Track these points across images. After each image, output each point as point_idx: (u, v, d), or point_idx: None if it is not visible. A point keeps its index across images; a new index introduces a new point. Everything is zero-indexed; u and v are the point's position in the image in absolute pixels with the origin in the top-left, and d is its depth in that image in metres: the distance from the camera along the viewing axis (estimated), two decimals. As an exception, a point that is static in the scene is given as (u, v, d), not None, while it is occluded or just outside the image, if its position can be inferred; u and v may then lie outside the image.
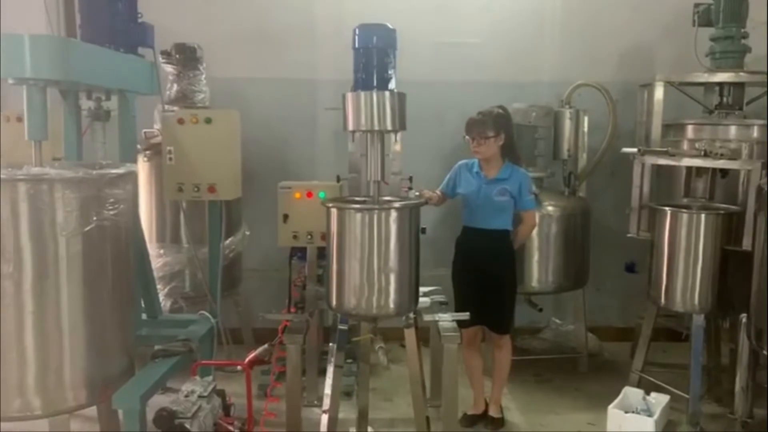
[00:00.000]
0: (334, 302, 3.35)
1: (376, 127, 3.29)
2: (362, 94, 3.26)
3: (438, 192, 4.06)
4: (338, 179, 3.92)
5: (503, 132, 3.94)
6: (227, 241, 4.68)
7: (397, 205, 3.31)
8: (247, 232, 4.91)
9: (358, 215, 3.23)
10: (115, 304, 3.06)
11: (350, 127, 3.33)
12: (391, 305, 3.27)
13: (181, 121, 3.68)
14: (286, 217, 3.95)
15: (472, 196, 3.97)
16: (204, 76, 4.72)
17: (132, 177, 3.13)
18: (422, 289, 3.96)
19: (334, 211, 3.29)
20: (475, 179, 3.99)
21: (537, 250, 4.56)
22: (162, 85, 4.40)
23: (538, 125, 4.69)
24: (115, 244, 3.04)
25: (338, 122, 3.38)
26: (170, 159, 3.70)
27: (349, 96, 3.28)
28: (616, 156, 4.84)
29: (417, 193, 3.85)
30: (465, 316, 3.58)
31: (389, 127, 3.30)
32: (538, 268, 4.59)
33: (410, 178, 4.01)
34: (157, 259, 4.52)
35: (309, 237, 3.94)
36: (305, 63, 5.29)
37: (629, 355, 5.10)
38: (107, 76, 3.31)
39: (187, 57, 4.62)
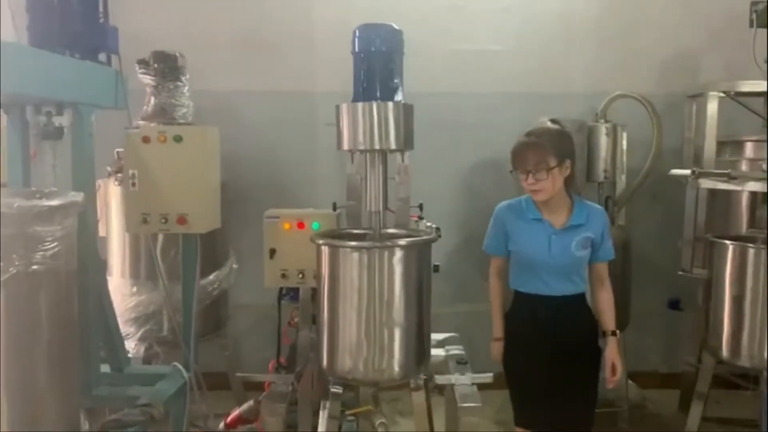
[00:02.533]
0: (325, 362, 2.72)
1: (377, 146, 2.69)
2: (360, 105, 2.66)
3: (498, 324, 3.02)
4: (334, 207, 3.30)
5: (569, 158, 2.83)
6: (211, 277, 4.09)
7: (403, 241, 2.69)
8: (235, 265, 4.29)
9: (354, 255, 2.62)
10: (53, 367, 2.45)
11: (345, 145, 2.73)
12: (396, 367, 2.66)
13: (146, 140, 3.09)
14: (273, 252, 3.33)
15: (541, 253, 2.79)
16: (187, 88, 4.12)
17: (73, 208, 2.53)
18: (435, 337, 3.33)
19: (324, 249, 2.67)
20: (537, 229, 2.82)
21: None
22: (139, 98, 3.90)
23: (570, 143, 4.04)
24: (52, 293, 2.44)
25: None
26: (133, 184, 3.10)
27: (344, 108, 2.68)
28: (656, 177, 4.20)
29: (429, 224, 3.21)
30: (488, 378, 2.92)
31: (393, 146, 2.70)
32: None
33: (420, 206, 3.37)
34: (130, 298, 3.93)
35: (300, 276, 3.32)
36: (303, 73, 4.70)
37: (677, 405, 4.43)
38: (55, 85, 2.74)
39: (166, 66, 4.03)
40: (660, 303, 4.68)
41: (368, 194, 2.80)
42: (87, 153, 3.00)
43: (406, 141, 2.71)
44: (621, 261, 4.03)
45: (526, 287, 2.85)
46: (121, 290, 3.97)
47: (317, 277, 2.79)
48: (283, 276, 3.34)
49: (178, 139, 3.08)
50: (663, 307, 4.68)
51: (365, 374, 2.62)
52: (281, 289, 3.45)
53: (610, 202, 4.10)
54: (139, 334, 3.92)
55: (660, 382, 4.81)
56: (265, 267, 3.36)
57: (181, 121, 4.05)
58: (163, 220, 3.10)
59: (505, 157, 4.79)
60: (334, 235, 2.79)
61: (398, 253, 2.61)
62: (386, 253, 2.60)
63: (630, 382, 4.43)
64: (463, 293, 4.71)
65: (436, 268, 3.04)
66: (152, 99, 4.07)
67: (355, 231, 3.03)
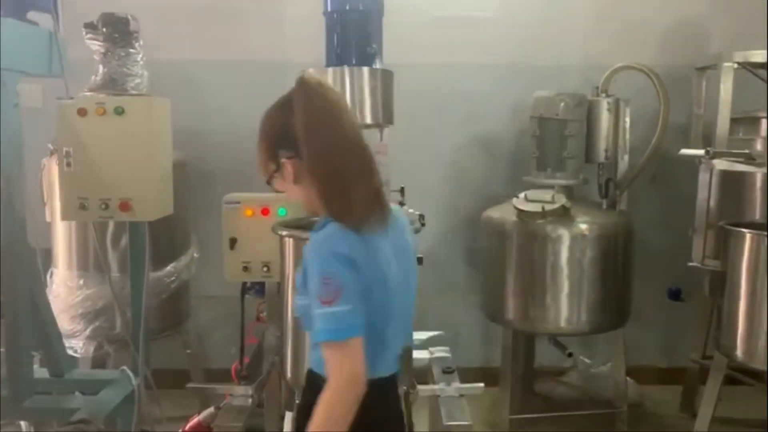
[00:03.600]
0: (289, 371, 2.33)
1: (351, 120, 2.26)
2: (329, 71, 2.25)
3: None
4: (304, 191, 2.89)
5: (285, 148, 1.73)
6: (169, 267, 3.67)
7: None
8: (197, 255, 3.88)
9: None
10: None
11: (313, 119, 2.30)
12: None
13: (82, 113, 2.66)
14: (233, 242, 2.92)
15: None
16: (141, 56, 3.66)
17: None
18: (418, 336, 2.96)
19: (288, 242, 2.27)
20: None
21: (567, 279, 3.53)
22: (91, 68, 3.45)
23: (568, 119, 3.65)
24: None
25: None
26: (68, 164, 2.67)
27: (311, 72, 2.27)
28: (658, 157, 3.83)
29: (411, 211, 2.82)
30: (478, 389, 2.55)
31: (369, 120, 2.30)
32: (569, 304, 3.56)
33: (401, 190, 2.97)
34: (77, 291, 3.51)
35: (265, 269, 2.92)
36: (273, 41, 4.25)
37: (678, 403, 4.12)
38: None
39: (116, 30, 3.54)
40: (659, 293, 4.35)
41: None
42: (12, 127, 2.57)
43: (385, 114, 2.32)
44: (623, 250, 3.68)
45: (381, 369, 1.73)
46: (67, 283, 3.55)
47: (281, 272, 2.39)
48: (246, 269, 2.94)
49: (119, 111, 2.65)
50: (662, 298, 4.35)
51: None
52: (244, 283, 3.05)
53: (612, 185, 3.72)
54: (88, 331, 3.51)
55: (659, 378, 4.48)
56: (225, 259, 2.96)
57: (134, 92, 3.60)
58: (104, 206, 2.68)
59: (494, 135, 4.48)
60: (300, 225, 2.39)
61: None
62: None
63: (628, 379, 4.10)
64: (449, 285, 4.34)
65: (419, 261, 2.65)
66: (101, 68, 3.61)
67: (326, 219, 2.63)
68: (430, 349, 2.93)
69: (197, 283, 4.03)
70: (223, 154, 4.18)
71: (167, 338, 3.83)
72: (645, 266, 4.08)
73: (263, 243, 2.80)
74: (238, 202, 2.91)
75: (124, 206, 2.66)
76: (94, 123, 2.66)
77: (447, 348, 2.98)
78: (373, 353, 1.58)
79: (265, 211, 2.90)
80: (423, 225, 2.68)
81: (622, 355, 3.94)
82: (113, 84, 3.58)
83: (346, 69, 2.23)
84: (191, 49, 4.18)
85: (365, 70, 2.24)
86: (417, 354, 2.71)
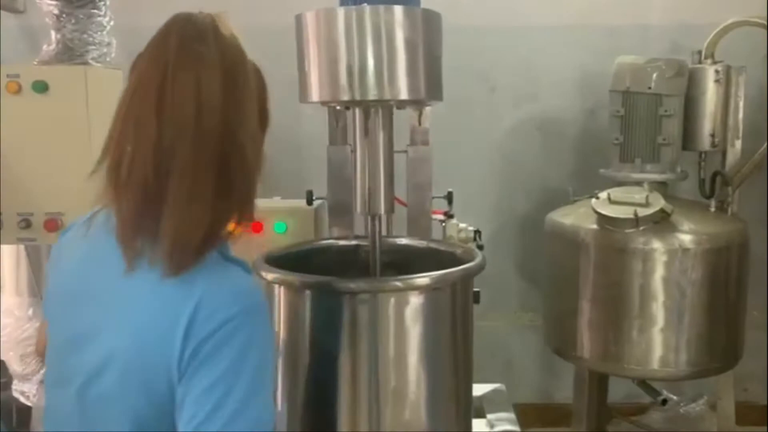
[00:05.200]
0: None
1: (374, 94, 1.43)
2: (341, 12, 1.40)
3: None
4: (310, 198, 2.05)
5: None
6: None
7: (421, 280, 1.44)
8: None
9: (327, 302, 1.38)
10: None
11: (316, 94, 1.47)
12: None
13: (-13, 90, 1.83)
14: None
15: None
16: (108, 20, 2.86)
17: None
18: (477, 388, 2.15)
19: (279, 291, 1.44)
20: None
21: (662, 308, 2.65)
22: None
23: (663, 93, 2.76)
24: None
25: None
26: (-29, 165, 1.86)
27: (310, 19, 1.43)
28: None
29: (463, 226, 1.97)
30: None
31: (404, 93, 1.44)
32: (664, 340, 2.68)
33: (449, 196, 2.12)
34: (27, 323, 2.74)
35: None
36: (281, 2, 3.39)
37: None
38: None
39: (74, -12, 2.78)
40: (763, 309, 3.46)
41: (359, 181, 1.56)
42: None
43: (430, 85, 1.46)
44: (737, 267, 2.79)
45: None
46: (15, 313, 2.78)
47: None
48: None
49: (40, 87, 1.84)
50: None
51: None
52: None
53: (721, 181, 2.82)
54: (41, 375, 2.75)
55: (758, 417, 3.61)
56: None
57: (97, 65, 2.80)
58: (23, 224, 1.87)
59: (558, 115, 3.57)
60: (298, 255, 1.57)
61: (414, 301, 1.38)
62: (391, 302, 1.37)
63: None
64: (500, 302, 3.50)
65: (477, 297, 1.80)
66: (53, 34, 2.82)
67: (341, 242, 1.80)
68: (490, 418, 2.09)
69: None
70: None
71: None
72: (755, 282, 3.18)
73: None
74: (220, 214, 2.09)
75: (51, 225, 1.85)
76: (9, 105, 1.84)
77: (512, 414, 2.15)
78: None
79: (257, 227, 2.07)
80: (481, 247, 1.84)
81: (731, 392, 3.08)
82: (70, 54, 2.76)
83: (367, 9, 1.38)
84: (170, 12, 3.34)
85: (398, 10, 1.39)
86: (476, 425, 1.87)
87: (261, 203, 2.17)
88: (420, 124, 1.79)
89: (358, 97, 1.42)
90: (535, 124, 3.45)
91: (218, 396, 0.95)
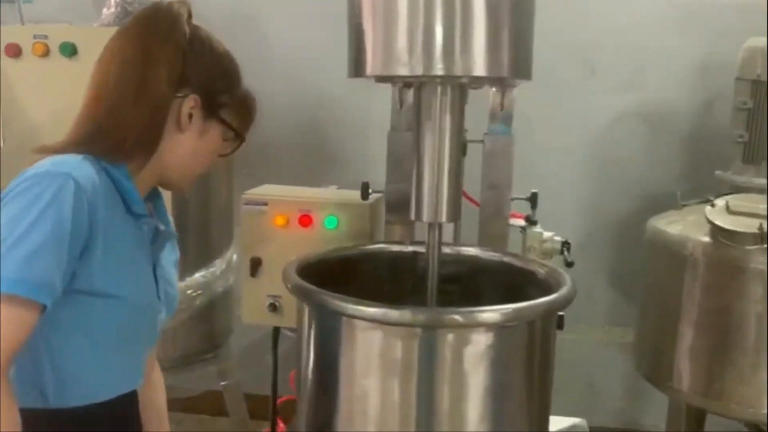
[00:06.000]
0: None
1: (440, 70, 1.11)
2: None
3: None
4: (366, 191, 1.76)
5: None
6: (195, 276, 2.68)
7: (490, 315, 1.12)
8: (236, 256, 2.87)
9: (378, 337, 1.10)
10: None
11: (368, 67, 1.17)
12: None
13: (12, 51, 1.65)
14: (256, 264, 1.86)
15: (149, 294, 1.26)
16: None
17: None
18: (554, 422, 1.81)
19: (306, 313, 1.17)
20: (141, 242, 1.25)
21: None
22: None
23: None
24: None
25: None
26: (-6, 134, 1.68)
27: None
28: None
29: (549, 235, 1.63)
30: None
31: (480, 69, 1.12)
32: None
33: (532, 198, 1.77)
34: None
35: (302, 309, 1.84)
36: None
37: None
38: None
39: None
40: None
41: (416, 178, 1.26)
42: None
43: (516, 61, 1.13)
44: None
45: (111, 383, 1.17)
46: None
47: (297, 359, 1.30)
48: (273, 308, 1.87)
49: (68, 50, 1.61)
50: None
51: None
52: (276, 329, 2.00)
53: None
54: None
55: None
56: (243, 289, 1.91)
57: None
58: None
59: (666, 106, 3.12)
60: (335, 263, 1.28)
61: (480, 340, 1.07)
62: (447, 340, 1.07)
63: None
64: (585, 313, 3.10)
65: (561, 323, 1.45)
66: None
67: (394, 248, 1.50)
68: None
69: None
70: (283, 118, 3.10)
71: (203, 366, 2.90)
72: None
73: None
74: (264, 204, 1.83)
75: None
76: (31, 69, 1.65)
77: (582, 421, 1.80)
78: None
79: (305, 219, 1.81)
80: (570, 264, 1.49)
81: None
82: (129, 18, 2.61)
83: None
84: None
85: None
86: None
87: (307, 194, 1.92)
88: (502, 108, 1.44)
89: (419, 72, 1.11)
90: (641, 116, 3.01)
91: None
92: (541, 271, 1.36)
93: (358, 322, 1.14)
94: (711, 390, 2.37)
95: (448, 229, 1.55)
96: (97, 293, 1.09)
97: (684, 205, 2.54)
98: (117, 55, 1.21)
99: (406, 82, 1.33)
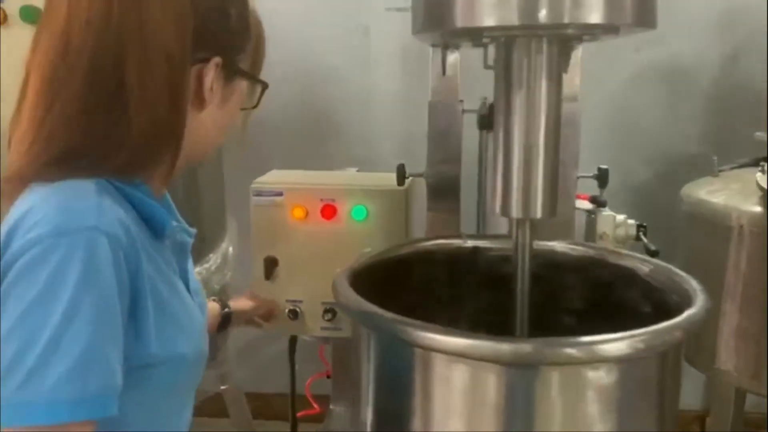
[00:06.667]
0: None
1: (543, 17, 0.85)
2: None
3: None
4: (402, 175, 1.48)
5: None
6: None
7: (615, 346, 0.87)
8: (231, 249, 2.58)
9: (468, 373, 0.84)
10: None
11: (458, 18, 0.90)
12: None
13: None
14: (271, 265, 1.59)
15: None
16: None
17: None
18: None
19: (364, 336, 0.91)
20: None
21: None
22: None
23: None
24: None
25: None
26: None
27: None
28: None
29: (621, 217, 1.39)
30: None
31: (595, 17, 0.86)
32: None
33: (601, 175, 1.53)
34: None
35: (329, 317, 1.57)
36: None
37: None
38: None
39: None
40: None
41: (502, 162, 1.00)
42: None
43: (641, 3, 0.87)
44: None
45: None
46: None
47: (356, 376, 1.04)
48: (293, 314, 1.60)
49: (30, 15, 1.30)
50: None
51: None
52: (293, 337, 1.74)
53: None
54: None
55: None
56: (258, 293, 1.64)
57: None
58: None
59: (686, 61, 2.88)
60: (391, 266, 1.02)
61: (598, 378, 0.83)
62: (566, 378, 0.82)
63: None
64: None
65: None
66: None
67: (453, 243, 1.25)
68: None
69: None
70: (289, 98, 2.77)
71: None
72: None
73: (326, 268, 1.43)
74: (280, 194, 1.55)
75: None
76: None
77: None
78: None
79: (328, 210, 1.53)
80: (654, 252, 1.26)
81: None
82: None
83: None
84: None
85: None
86: None
87: (331, 177, 1.65)
88: (566, 70, 1.19)
89: (514, 22, 0.85)
90: (660, 73, 2.78)
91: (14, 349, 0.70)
92: (643, 268, 1.11)
93: (437, 356, 0.88)
94: (757, 374, 2.20)
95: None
96: (155, 363, 0.82)
97: (720, 171, 2.35)
98: (99, 18, 0.82)
99: (490, 36, 1.02)
